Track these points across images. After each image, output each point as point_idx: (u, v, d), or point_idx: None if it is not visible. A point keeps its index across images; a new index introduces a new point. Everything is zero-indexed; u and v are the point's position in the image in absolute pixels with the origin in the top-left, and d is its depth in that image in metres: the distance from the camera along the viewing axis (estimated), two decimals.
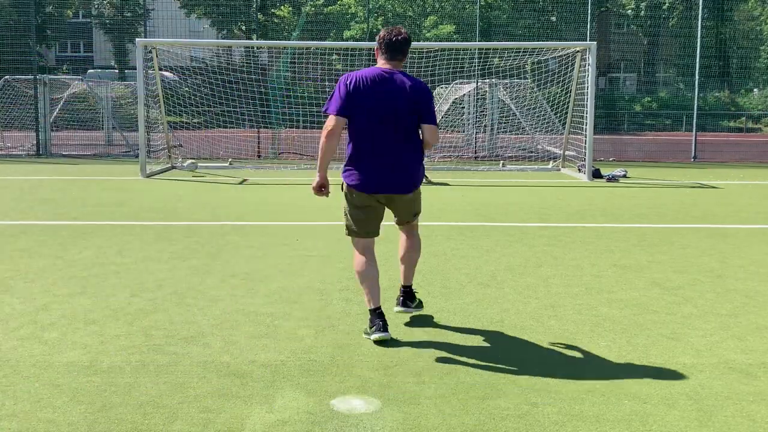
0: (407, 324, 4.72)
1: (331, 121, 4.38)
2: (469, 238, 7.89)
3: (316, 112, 19.23)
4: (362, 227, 4.57)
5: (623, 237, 8.03)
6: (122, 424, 3.21)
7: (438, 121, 4.65)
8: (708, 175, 16.17)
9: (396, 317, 4.82)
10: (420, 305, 4.97)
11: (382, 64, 4.51)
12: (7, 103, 21.71)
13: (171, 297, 5.33)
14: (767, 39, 35.06)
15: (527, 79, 20.61)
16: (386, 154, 4.41)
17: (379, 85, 4.37)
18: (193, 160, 16.57)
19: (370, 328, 4.42)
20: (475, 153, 20.20)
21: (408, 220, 4.73)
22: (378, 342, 4.34)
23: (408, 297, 4.90)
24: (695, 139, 20.70)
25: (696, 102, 21.36)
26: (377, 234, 4.64)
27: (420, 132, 4.52)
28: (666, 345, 4.36)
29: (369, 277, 4.49)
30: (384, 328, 4.36)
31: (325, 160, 4.49)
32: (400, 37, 4.46)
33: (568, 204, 10.90)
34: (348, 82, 4.38)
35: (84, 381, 3.70)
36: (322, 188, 4.62)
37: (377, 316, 4.40)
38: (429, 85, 20.71)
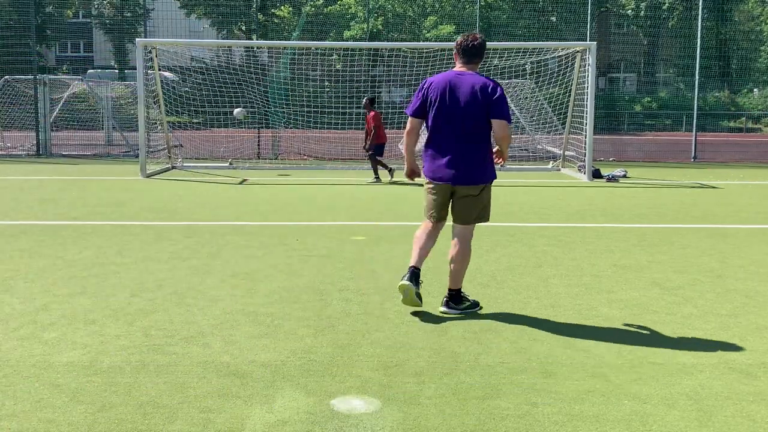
0: (407, 324, 4.72)
1: (409, 122, 5.07)
2: None
3: (316, 112, 19.25)
4: (429, 210, 5.09)
5: (623, 237, 8.02)
6: (122, 424, 3.21)
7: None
8: (708, 175, 16.18)
9: (398, 315, 4.82)
10: (471, 307, 5.03)
11: (458, 67, 5.00)
12: (7, 103, 21.73)
13: (171, 297, 5.33)
14: (767, 39, 35.06)
15: (527, 79, 20.62)
16: (450, 150, 4.90)
17: (449, 88, 4.87)
18: (241, 109, 16.10)
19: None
20: None
21: (465, 220, 5.02)
22: (400, 288, 4.83)
23: (452, 299, 5.04)
24: (695, 139, 20.71)
25: (696, 102, 21.38)
26: (443, 220, 5.10)
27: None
28: (666, 345, 4.35)
29: (421, 243, 5.03)
30: (408, 278, 4.83)
31: (408, 153, 5.17)
32: (476, 43, 4.95)
33: (568, 204, 10.90)
34: (424, 86, 4.98)
35: (84, 381, 3.70)
36: (412, 174, 5.21)
37: (410, 269, 4.92)
38: None
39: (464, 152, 4.87)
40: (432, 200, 5.05)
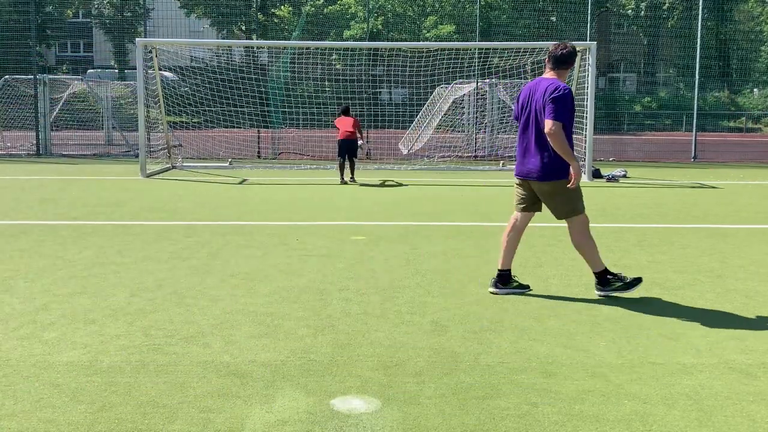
0: (407, 324, 4.72)
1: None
2: (469, 238, 7.90)
3: (316, 111, 19.25)
4: (514, 201, 5.59)
5: (623, 237, 8.02)
6: (122, 423, 3.21)
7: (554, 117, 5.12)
8: (708, 175, 16.18)
9: (398, 315, 4.82)
10: (618, 289, 5.40)
11: (545, 72, 5.42)
12: (7, 103, 21.73)
13: (171, 297, 5.33)
14: (767, 39, 35.07)
15: (527, 79, 20.63)
16: (522, 147, 5.40)
17: (530, 92, 5.34)
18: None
19: None
20: (475, 153, 20.21)
21: (558, 216, 5.42)
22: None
23: (599, 281, 5.44)
24: (695, 139, 20.71)
25: (696, 102, 21.37)
26: (524, 210, 5.53)
27: None
28: (666, 345, 4.35)
29: (503, 241, 5.56)
30: (492, 283, 5.51)
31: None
32: (564, 51, 5.33)
33: None
34: (518, 93, 5.59)
35: (84, 381, 3.70)
36: None
37: (497, 274, 5.54)
38: (429, 85, 20.59)
39: (532, 151, 5.29)
40: (514, 191, 5.60)
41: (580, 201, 5.37)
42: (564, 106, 5.07)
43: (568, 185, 5.20)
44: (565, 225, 5.51)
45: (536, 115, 5.24)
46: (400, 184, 13.59)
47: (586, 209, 5.48)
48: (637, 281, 5.45)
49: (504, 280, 5.51)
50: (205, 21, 39.22)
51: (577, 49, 15.47)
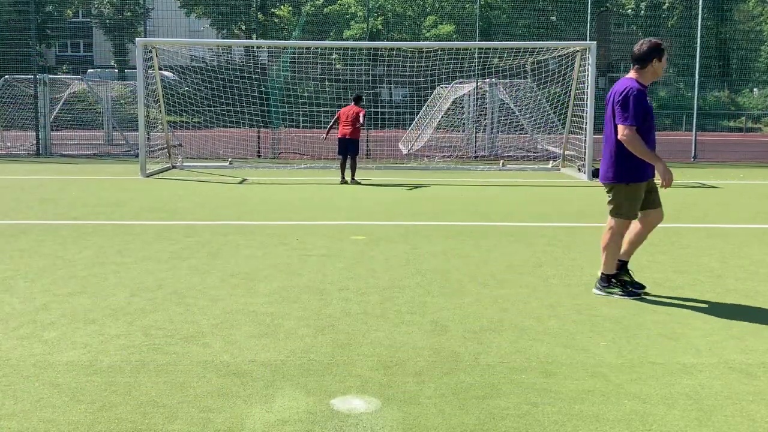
0: (407, 324, 4.72)
1: None
2: (469, 238, 7.89)
3: (316, 111, 19.24)
4: None
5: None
6: (122, 423, 3.21)
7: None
8: (708, 174, 16.18)
9: (397, 314, 4.82)
10: (624, 294, 5.43)
11: (629, 72, 5.40)
12: (7, 103, 21.73)
13: (171, 297, 5.33)
14: (767, 39, 35.07)
15: (527, 79, 20.64)
16: (603, 148, 5.42)
17: (611, 94, 5.30)
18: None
19: None
20: (475, 153, 20.21)
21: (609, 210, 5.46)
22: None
23: (599, 280, 5.54)
24: (695, 139, 20.71)
25: (696, 102, 21.37)
26: (642, 209, 5.44)
27: None
28: (666, 345, 4.35)
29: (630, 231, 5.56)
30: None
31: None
32: (642, 48, 5.24)
33: (568, 204, 10.89)
34: None
35: (84, 381, 3.70)
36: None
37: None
38: (429, 85, 20.57)
39: (605, 150, 5.34)
40: None
41: (631, 209, 5.33)
42: (633, 109, 5.05)
43: (660, 186, 5.23)
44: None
45: (607, 116, 5.30)
46: (400, 185, 13.59)
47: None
48: (636, 294, 5.45)
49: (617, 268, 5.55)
50: (205, 21, 39.24)
51: (578, 48, 15.61)
